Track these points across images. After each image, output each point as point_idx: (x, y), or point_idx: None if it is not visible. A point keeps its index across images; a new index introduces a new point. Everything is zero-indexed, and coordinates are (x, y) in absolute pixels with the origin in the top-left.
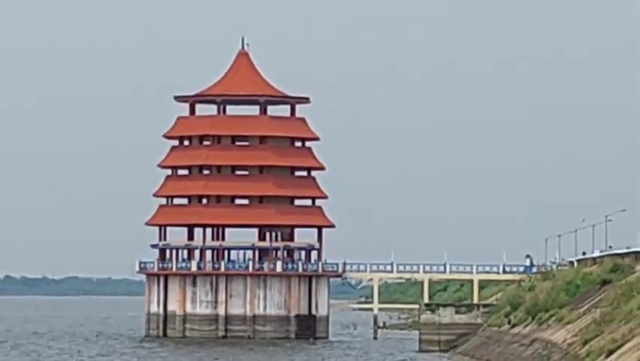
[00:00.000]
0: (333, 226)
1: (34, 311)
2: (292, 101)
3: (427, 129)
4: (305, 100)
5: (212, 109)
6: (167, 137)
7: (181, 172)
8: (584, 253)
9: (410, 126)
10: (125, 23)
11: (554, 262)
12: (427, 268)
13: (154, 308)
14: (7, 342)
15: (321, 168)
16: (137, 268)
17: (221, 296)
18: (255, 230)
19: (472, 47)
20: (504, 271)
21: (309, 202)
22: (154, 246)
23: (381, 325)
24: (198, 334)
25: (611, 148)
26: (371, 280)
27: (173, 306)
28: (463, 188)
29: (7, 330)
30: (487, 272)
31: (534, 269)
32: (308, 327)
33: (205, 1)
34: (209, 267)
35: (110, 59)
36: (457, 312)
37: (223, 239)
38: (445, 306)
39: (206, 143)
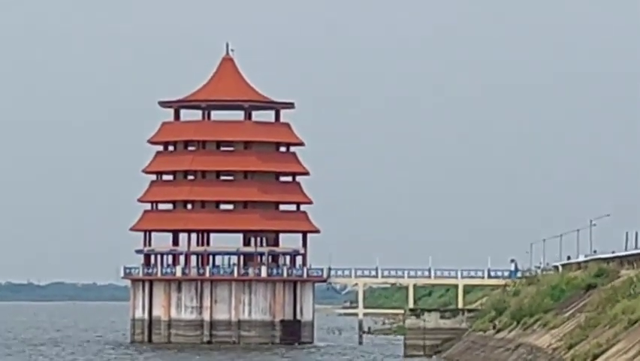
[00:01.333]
0: (317, 232)
1: (23, 318)
2: (277, 107)
3: (412, 134)
4: (290, 105)
5: (196, 114)
6: (152, 142)
7: (166, 177)
8: (568, 258)
9: (394, 131)
10: (110, 29)
11: (539, 267)
12: (412, 273)
13: (139, 314)
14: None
15: (306, 173)
16: (122, 274)
17: (206, 302)
18: (240, 235)
19: (460, 48)
20: (489, 276)
21: (293, 207)
22: (139, 251)
23: (366, 330)
24: (183, 339)
25: (595, 153)
26: (356, 285)
27: (158, 311)
28: (448, 192)
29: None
30: (472, 277)
31: (519, 274)
32: (293, 332)
33: (189, 6)
34: (194, 272)
35: (94, 64)
36: (441, 317)
37: (208, 244)
38: (429, 311)
39: (190, 148)
